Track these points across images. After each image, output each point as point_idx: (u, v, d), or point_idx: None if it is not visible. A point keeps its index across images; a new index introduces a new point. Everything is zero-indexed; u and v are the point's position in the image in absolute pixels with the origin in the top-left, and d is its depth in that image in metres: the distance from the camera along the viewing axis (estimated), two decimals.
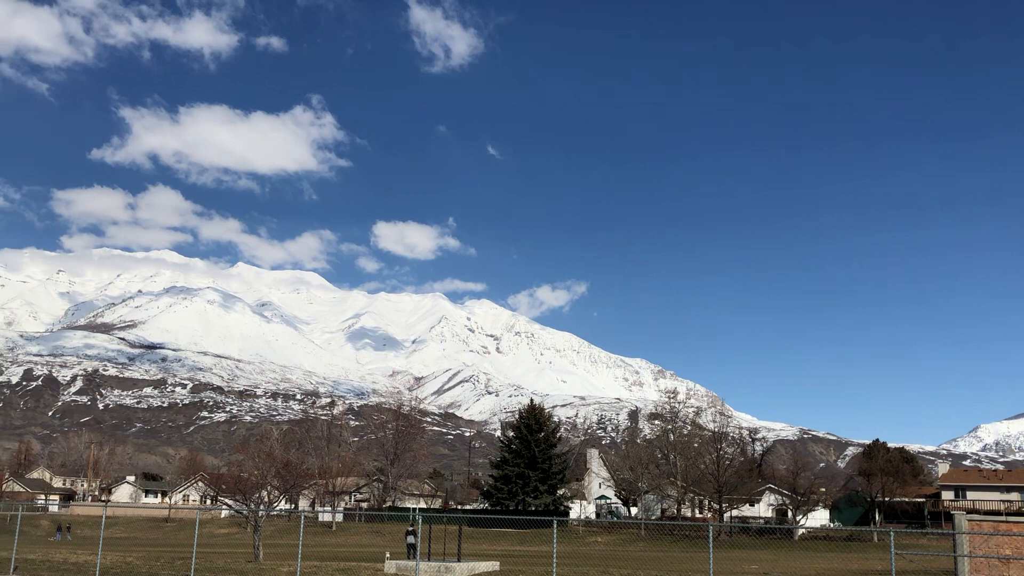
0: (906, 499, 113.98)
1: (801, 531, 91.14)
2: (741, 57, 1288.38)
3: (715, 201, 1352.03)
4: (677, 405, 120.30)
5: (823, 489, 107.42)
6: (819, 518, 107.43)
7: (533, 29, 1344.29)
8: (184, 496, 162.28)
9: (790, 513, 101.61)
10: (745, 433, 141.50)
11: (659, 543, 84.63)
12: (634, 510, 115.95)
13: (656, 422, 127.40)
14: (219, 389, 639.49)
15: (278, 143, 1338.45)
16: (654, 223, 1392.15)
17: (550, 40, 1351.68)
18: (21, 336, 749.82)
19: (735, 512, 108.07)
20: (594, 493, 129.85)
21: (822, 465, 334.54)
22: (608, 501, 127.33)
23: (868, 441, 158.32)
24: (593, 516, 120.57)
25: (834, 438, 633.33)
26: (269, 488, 60.71)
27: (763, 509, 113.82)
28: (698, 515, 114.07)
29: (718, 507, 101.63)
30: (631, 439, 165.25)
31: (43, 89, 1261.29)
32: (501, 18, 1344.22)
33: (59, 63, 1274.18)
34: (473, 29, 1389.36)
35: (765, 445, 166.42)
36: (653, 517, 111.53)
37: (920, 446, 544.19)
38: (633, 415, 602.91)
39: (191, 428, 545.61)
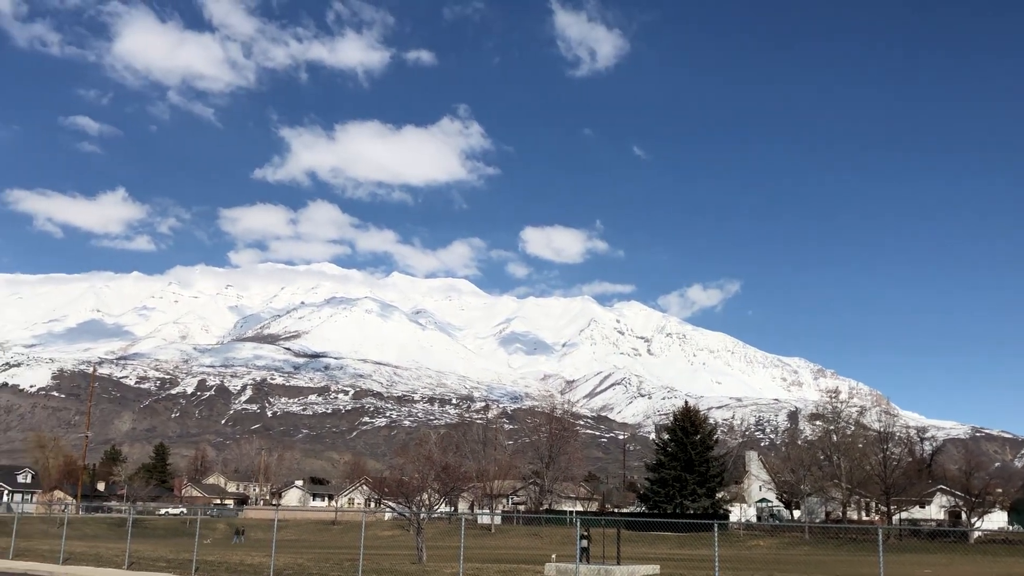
0: None
1: (977, 534, 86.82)
2: (895, 52, 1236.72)
3: (872, 193, 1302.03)
4: (839, 405, 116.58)
5: (999, 490, 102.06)
6: (996, 520, 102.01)
7: (677, 26, 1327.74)
8: (349, 499, 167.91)
9: (964, 515, 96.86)
10: (913, 432, 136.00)
11: (823, 547, 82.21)
12: (796, 513, 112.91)
13: (817, 423, 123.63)
14: (379, 395, 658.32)
15: (428, 155, 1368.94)
16: (808, 217, 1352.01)
17: (695, 36, 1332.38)
18: (195, 348, 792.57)
19: (904, 514, 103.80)
20: (754, 496, 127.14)
21: (997, 465, 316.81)
22: (769, 504, 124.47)
23: None
24: (754, 519, 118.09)
25: (1010, 436, 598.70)
26: (430, 491, 62.10)
27: (934, 511, 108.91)
28: (864, 518, 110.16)
29: (886, 509, 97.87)
30: (791, 441, 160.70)
31: (209, 114, 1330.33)
32: (645, 17, 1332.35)
33: (222, 88, 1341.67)
34: (617, 29, 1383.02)
35: (935, 445, 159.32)
36: (817, 520, 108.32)
37: None
38: (793, 416, 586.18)
39: (354, 433, 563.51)
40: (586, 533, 46.70)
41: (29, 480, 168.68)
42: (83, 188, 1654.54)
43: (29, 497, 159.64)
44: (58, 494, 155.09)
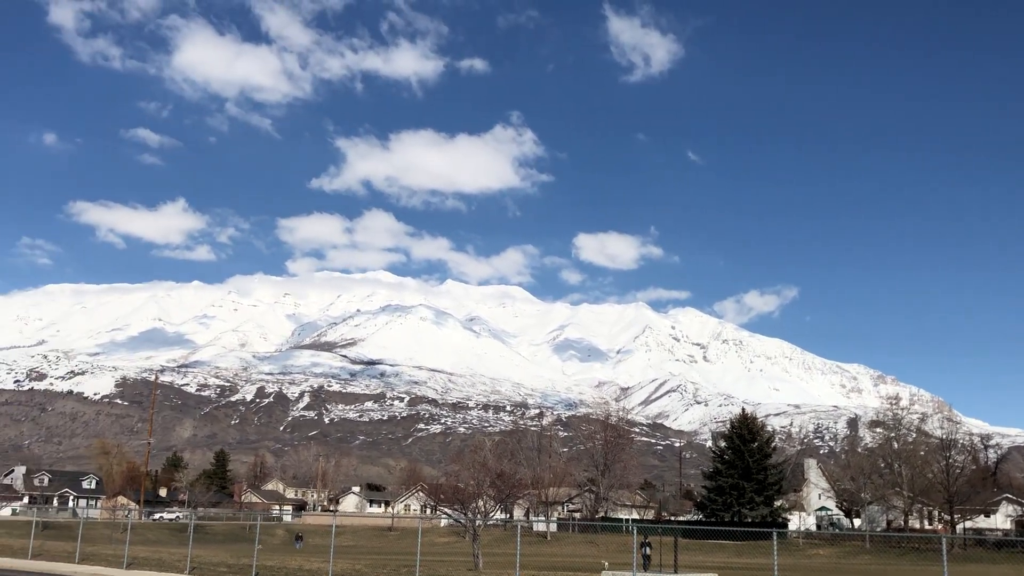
0: None
1: None
2: (956, 54, 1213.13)
3: (931, 196, 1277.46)
4: (900, 412, 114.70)
5: None
6: None
7: (731, 30, 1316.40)
8: (405, 506, 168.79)
9: None
10: (976, 440, 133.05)
11: (885, 556, 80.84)
12: (857, 522, 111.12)
13: (878, 430, 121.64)
14: (434, 402, 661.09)
15: (482, 163, 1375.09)
16: (866, 221, 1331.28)
17: (749, 40, 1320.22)
18: (254, 356, 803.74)
19: (968, 523, 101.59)
20: (813, 504, 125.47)
21: None
22: (829, 512, 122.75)
23: None
24: (814, 528, 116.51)
25: None
26: (485, 498, 62.21)
27: (1000, 521, 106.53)
28: (927, 527, 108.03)
29: (949, 518, 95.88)
30: (851, 448, 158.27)
31: (266, 125, 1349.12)
32: (699, 21, 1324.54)
33: (279, 99, 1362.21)
34: (671, 35, 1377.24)
35: (999, 452, 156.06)
36: (878, 529, 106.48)
37: None
38: (852, 423, 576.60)
39: (409, 440, 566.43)
40: (647, 540, 46.56)
41: (93, 486, 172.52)
42: (144, 199, 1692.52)
43: (93, 502, 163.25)
44: (121, 500, 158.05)
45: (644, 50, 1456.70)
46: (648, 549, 46.42)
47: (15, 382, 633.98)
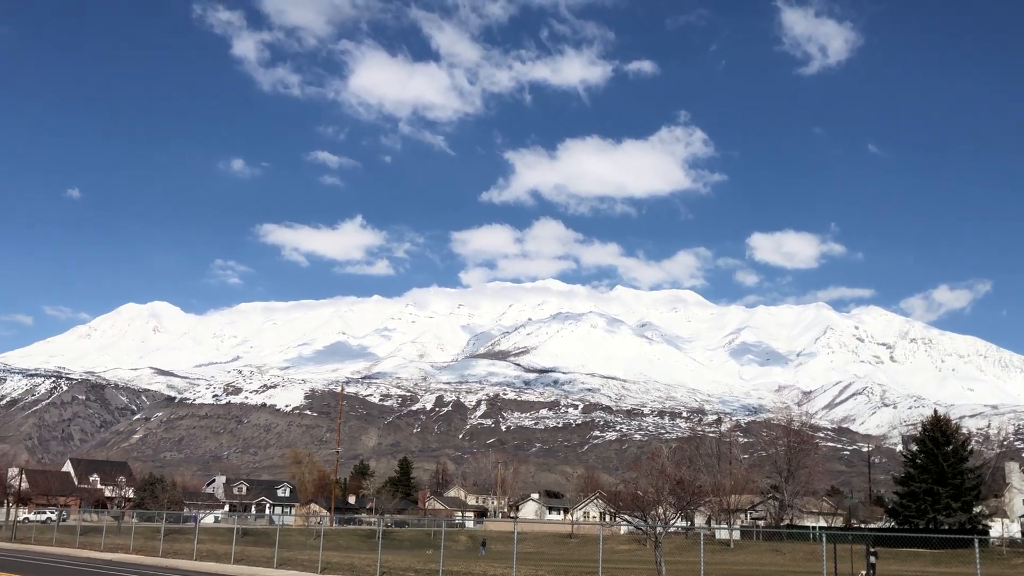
0: None
1: None
2: None
3: None
4: None
5: None
6: None
7: (912, 15, 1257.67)
8: (584, 513, 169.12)
9: None
10: None
11: None
12: None
13: None
14: (608, 409, 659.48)
15: (650, 166, 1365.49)
16: None
17: (931, 25, 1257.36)
18: (432, 366, 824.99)
19: None
20: (1017, 511, 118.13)
21: None
22: None
23: None
24: (1018, 536, 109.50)
25: None
26: (665, 505, 61.64)
27: None
28: None
29: None
30: None
31: (438, 141, 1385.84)
32: (876, 7, 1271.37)
33: (450, 116, 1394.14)
34: (848, 22, 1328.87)
35: None
36: None
37: None
38: None
39: (585, 447, 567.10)
40: (873, 550, 45.05)
41: (288, 494, 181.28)
42: (325, 218, 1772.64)
43: (288, 509, 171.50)
44: (314, 507, 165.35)
45: (819, 40, 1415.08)
46: (874, 558, 44.90)
47: (213, 396, 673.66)
